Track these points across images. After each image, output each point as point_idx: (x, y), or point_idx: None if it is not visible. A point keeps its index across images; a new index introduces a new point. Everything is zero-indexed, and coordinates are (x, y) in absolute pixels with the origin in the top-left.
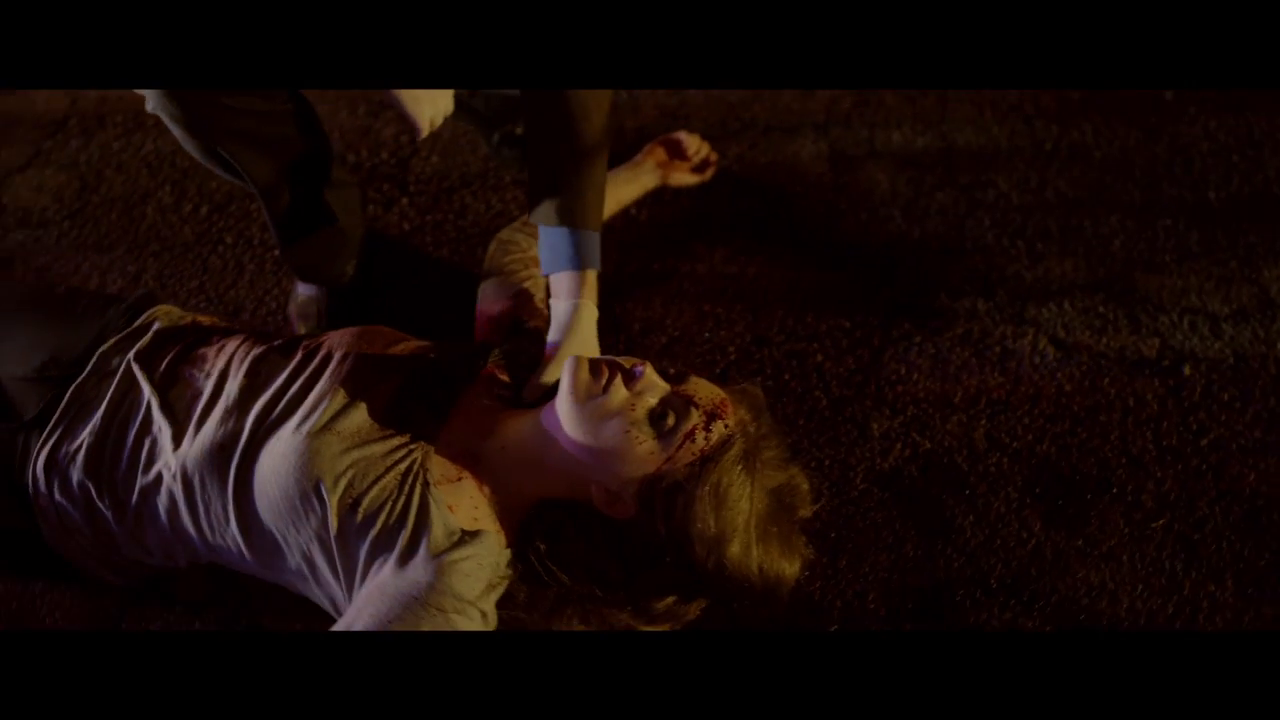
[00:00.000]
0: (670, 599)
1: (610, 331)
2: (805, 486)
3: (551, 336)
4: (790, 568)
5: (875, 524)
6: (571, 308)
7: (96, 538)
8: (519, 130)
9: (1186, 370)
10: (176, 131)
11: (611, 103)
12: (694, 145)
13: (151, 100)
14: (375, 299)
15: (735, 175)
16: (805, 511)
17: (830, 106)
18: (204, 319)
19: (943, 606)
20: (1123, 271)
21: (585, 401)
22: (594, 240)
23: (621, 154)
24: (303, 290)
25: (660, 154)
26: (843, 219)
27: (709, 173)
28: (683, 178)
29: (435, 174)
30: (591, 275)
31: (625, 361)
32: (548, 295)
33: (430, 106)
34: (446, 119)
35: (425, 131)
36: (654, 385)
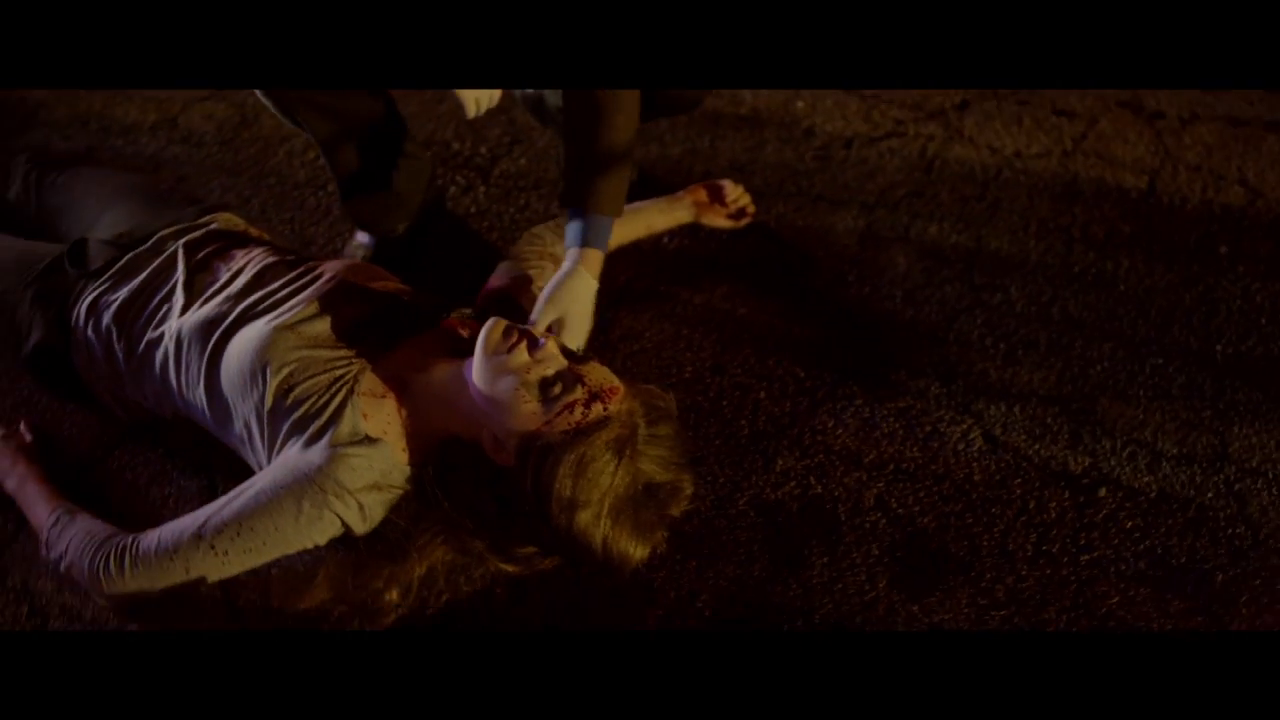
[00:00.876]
0: (529, 549)
1: (596, 330)
2: (687, 491)
3: (544, 290)
4: (636, 550)
5: (737, 540)
6: (567, 271)
7: (110, 372)
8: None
9: (1102, 492)
10: (257, 89)
11: (635, 105)
12: (733, 194)
13: None
14: (419, 257)
15: (768, 229)
16: (675, 510)
17: (885, 190)
18: (254, 232)
19: (765, 624)
20: (1089, 394)
21: (491, 355)
22: (602, 224)
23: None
24: (359, 236)
25: (701, 194)
26: (846, 287)
27: (743, 222)
28: (716, 220)
29: (516, 173)
30: (594, 254)
31: (536, 332)
32: None
33: (476, 91)
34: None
35: (472, 113)
36: (552, 357)
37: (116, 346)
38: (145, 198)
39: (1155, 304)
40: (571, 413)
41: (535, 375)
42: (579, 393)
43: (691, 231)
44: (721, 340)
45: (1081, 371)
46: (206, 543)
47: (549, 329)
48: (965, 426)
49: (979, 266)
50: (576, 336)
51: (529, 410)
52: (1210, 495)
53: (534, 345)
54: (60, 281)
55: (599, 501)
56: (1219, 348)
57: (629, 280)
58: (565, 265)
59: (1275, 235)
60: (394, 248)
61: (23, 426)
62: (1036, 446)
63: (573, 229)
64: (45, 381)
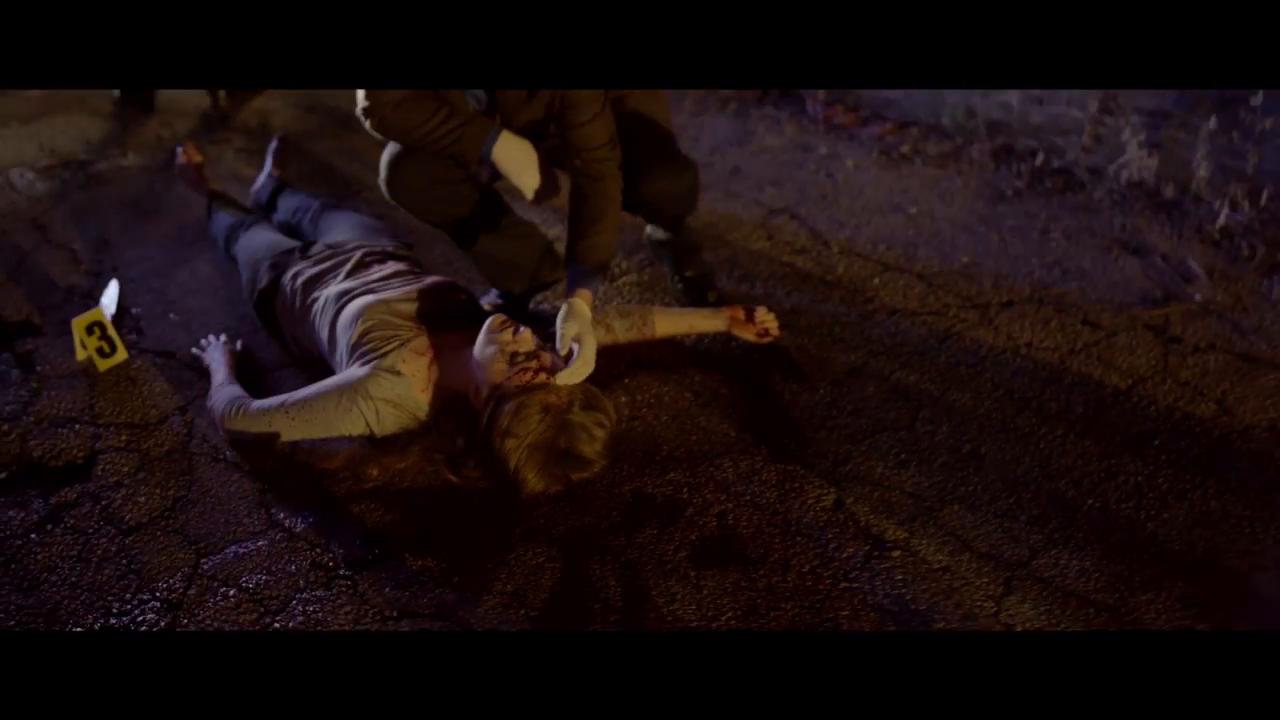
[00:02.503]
0: (472, 471)
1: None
2: (593, 469)
3: (557, 323)
4: (535, 483)
5: (611, 504)
6: (567, 305)
7: (289, 316)
8: (690, 274)
9: (895, 554)
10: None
11: (615, 192)
12: (763, 318)
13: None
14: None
15: (782, 349)
16: (574, 476)
17: (895, 346)
18: (412, 257)
19: (588, 558)
20: (944, 500)
21: (488, 333)
22: (588, 273)
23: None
24: (491, 291)
25: (739, 313)
26: (813, 392)
27: (765, 340)
28: (744, 334)
29: (637, 280)
30: (584, 293)
31: (518, 330)
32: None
33: (529, 177)
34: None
35: (530, 199)
36: (525, 341)
37: (298, 299)
38: (366, 229)
39: (1060, 462)
40: (524, 374)
41: (510, 349)
42: (534, 365)
43: (726, 338)
44: (695, 402)
45: (953, 487)
46: (284, 410)
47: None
48: (825, 491)
49: (930, 406)
50: (588, 358)
51: (499, 368)
52: (983, 580)
53: (517, 331)
54: (287, 259)
55: (522, 437)
56: (1091, 501)
57: (656, 346)
58: (564, 305)
59: (1215, 445)
60: (513, 300)
61: (239, 344)
62: (871, 517)
63: (569, 277)
64: (260, 317)
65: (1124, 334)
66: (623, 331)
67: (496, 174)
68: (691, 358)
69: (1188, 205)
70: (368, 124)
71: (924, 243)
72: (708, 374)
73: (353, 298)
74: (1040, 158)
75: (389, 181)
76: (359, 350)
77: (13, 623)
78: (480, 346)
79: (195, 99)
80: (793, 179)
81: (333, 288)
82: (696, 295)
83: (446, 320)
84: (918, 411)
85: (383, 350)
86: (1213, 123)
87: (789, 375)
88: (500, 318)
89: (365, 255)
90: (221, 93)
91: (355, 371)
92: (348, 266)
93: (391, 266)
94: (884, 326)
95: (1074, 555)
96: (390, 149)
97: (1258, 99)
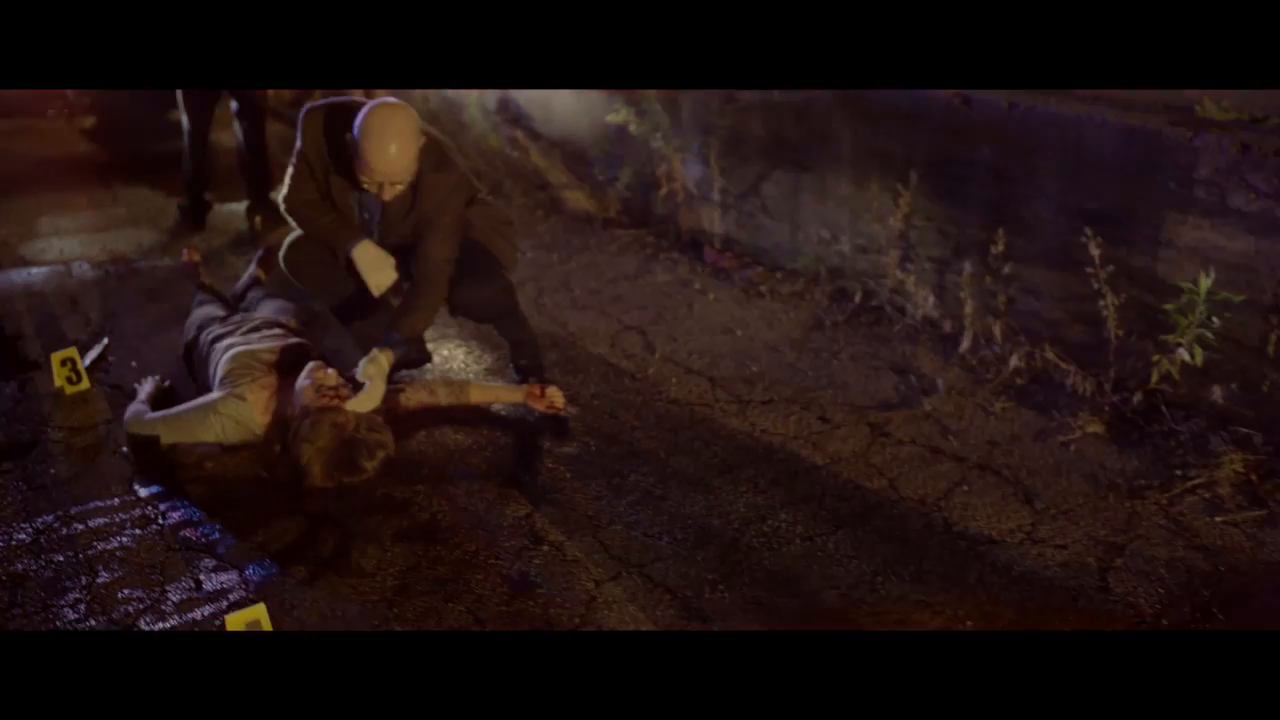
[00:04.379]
0: (282, 468)
1: (425, 410)
2: (366, 475)
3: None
4: (318, 478)
5: (359, 503)
6: (373, 353)
7: (200, 360)
8: (522, 363)
9: (542, 548)
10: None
11: (438, 298)
12: (552, 395)
13: None
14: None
15: (561, 419)
16: (347, 479)
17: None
18: (296, 327)
19: (328, 527)
20: (610, 523)
21: (307, 371)
22: (398, 341)
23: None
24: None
25: (536, 390)
26: (568, 449)
27: (552, 412)
28: (537, 405)
29: (474, 354)
30: (385, 354)
31: (344, 376)
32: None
33: (378, 277)
34: (398, 286)
35: (375, 293)
36: (331, 377)
37: (205, 349)
38: (278, 309)
39: (726, 508)
40: (324, 399)
41: (319, 381)
42: (333, 394)
43: (525, 408)
44: (470, 444)
45: (623, 515)
46: (164, 420)
47: (342, 376)
48: (523, 506)
49: (652, 463)
50: (375, 393)
51: (309, 394)
52: (598, 569)
53: (326, 369)
54: (210, 324)
55: (312, 443)
56: (732, 535)
57: (466, 412)
58: (373, 351)
59: (866, 509)
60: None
61: (168, 382)
62: (546, 525)
63: (386, 338)
64: (185, 364)
65: (846, 428)
66: (444, 396)
67: None
68: (488, 416)
69: (960, 337)
70: (283, 206)
71: (732, 356)
72: (493, 428)
73: (232, 347)
74: (859, 297)
75: (284, 257)
76: (223, 382)
77: None
78: (300, 379)
79: (239, 221)
80: (657, 305)
81: (225, 341)
82: (524, 379)
83: (295, 369)
84: (640, 466)
85: (237, 383)
86: (968, 267)
87: (557, 436)
88: (319, 362)
89: (260, 323)
90: (257, 218)
91: (214, 395)
92: (244, 329)
93: (274, 331)
94: (657, 410)
95: (686, 566)
96: (292, 235)
97: (998, 247)
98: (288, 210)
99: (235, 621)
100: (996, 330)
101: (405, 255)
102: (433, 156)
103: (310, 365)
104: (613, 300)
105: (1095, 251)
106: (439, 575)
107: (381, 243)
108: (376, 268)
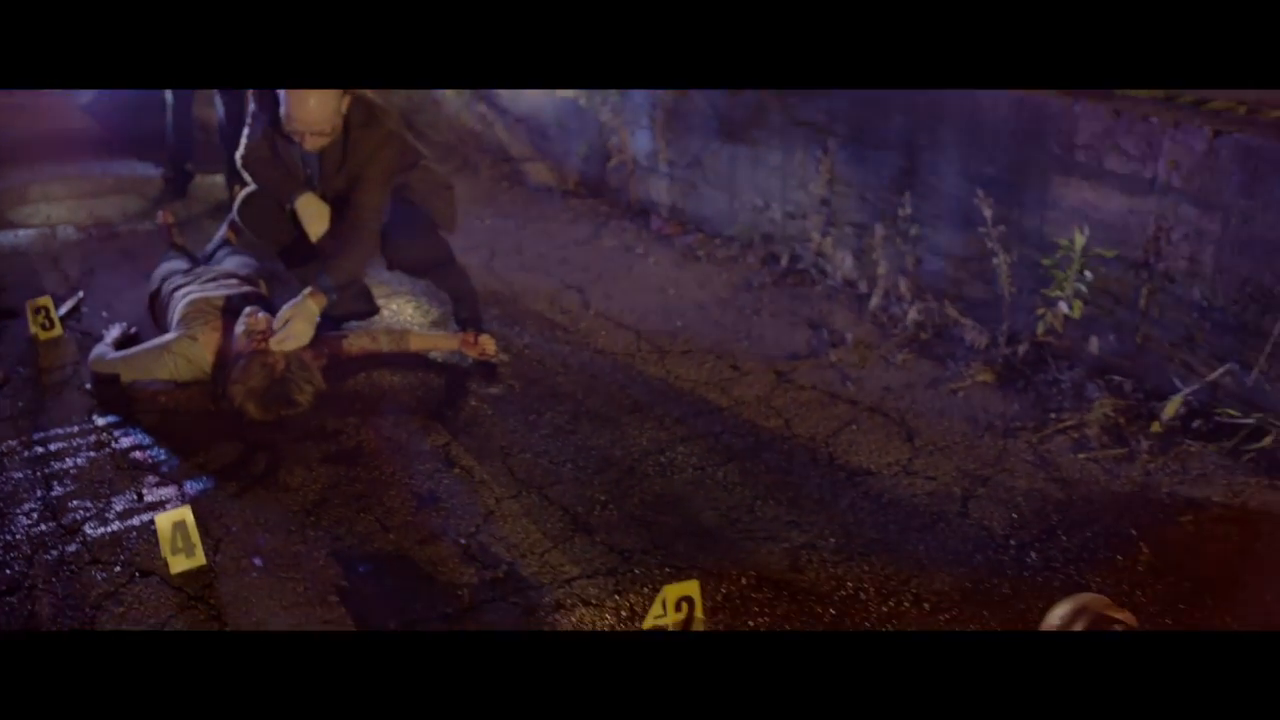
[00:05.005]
0: (226, 403)
1: (369, 355)
2: (299, 409)
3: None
4: (251, 412)
5: (294, 433)
6: (300, 297)
7: (161, 308)
8: (463, 315)
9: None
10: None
11: (376, 235)
12: (484, 342)
13: None
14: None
15: (491, 365)
16: (286, 411)
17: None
18: (252, 279)
19: (261, 451)
20: (518, 452)
21: (242, 317)
22: (328, 285)
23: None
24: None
25: (470, 338)
26: (495, 389)
27: (484, 358)
28: (470, 352)
29: (422, 309)
30: (313, 297)
31: (266, 318)
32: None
33: (316, 226)
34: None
35: (314, 240)
36: (261, 322)
37: (166, 297)
38: (239, 263)
39: (630, 442)
40: (255, 343)
41: (250, 327)
42: (261, 338)
43: (460, 355)
44: (402, 384)
45: (533, 445)
46: (123, 359)
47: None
48: (442, 436)
49: (568, 402)
50: (297, 333)
51: (242, 339)
52: (501, 489)
53: (257, 315)
54: (174, 277)
55: (244, 383)
56: (632, 464)
57: (404, 359)
58: (302, 293)
59: (759, 444)
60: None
61: (133, 329)
62: (459, 452)
63: (317, 280)
64: (150, 311)
65: (754, 375)
66: (385, 343)
67: None
68: (424, 362)
69: (873, 296)
70: (239, 162)
71: (661, 312)
72: (427, 372)
73: (189, 294)
74: (786, 260)
75: (238, 208)
76: (178, 325)
77: None
78: (237, 325)
79: (219, 191)
80: (599, 267)
81: (184, 289)
82: (463, 329)
83: (237, 310)
84: (557, 406)
85: (190, 325)
86: (880, 230)
87: (485, 379)
88: (253, 308)
89: (217, 274)
90: (236, 187)
91: (169, 335)
92: (202, 279)
93: (228, 280)
94: (582, 359)
95: (582, 488)
96: (247, 189)
97: (906, 210)
98: (242, 165)
99: (163, 521)
100: (904, 288)
101: (343, 207)
102: (361, 114)
103: (246, 310)
104: (559, 263)
105: (988, 213)
106: (356, 491)
107: (322, 196)
108: (315, 217)
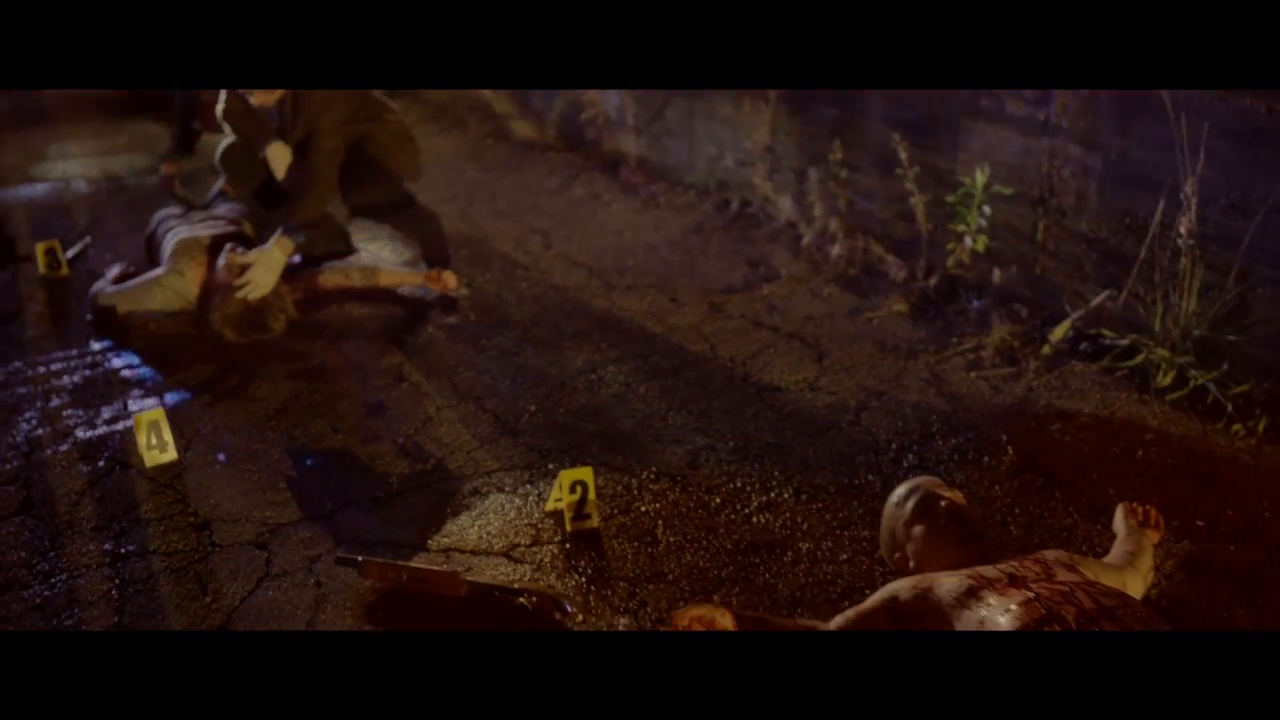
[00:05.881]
0: (211, 329)
1: (341, 291)
2: (271, 334)
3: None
4: (230, 336)
5: (263, 355)
6: (270, 244)
7: (155, 246)
8: (431, 255)
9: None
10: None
11: (329, 190)
12: (447, 278)
13: None
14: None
15: (452, 299)
16: (259, 336)
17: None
18: (238, 221)
19: (238, 370)
20: (461, 370)
21: (223, 253)
22: (293, 228)
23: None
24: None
25: (434, 274)
26: (452, 318)
27: (446, 292)
28: (434, 286)
29: (397, 251)
30: (279, 244)
31: (238, 257)
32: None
33: (282, 171)
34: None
35: (280, 178)
36: (236, 260)
37: (159, 236)
38: (230, 208)
39: (565, 363)
40: (232, 275)
41: (230, 263)
42: (239, 273)
43: (425, 290)
44: (369, 315)
45: (481, 365)
46: (120, 291)
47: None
48: (398, 359)
49: (517, 329)
50: (258, 280)
51: (223, 273)
52: (458, 406)
53: (236, 251)
54: (169, 219)
55: (223, 310)
56: (563, 381)
57: (374, 294)
58: (272, 239)
59: (682, 363)
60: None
61: (132, 268)
62: (418, 376)
63: (282, 228)
64: (146, 251)
65: (690, 306)
66: (357, 278)
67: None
68: (392, 296)
69: (806, 235)
70: (219, 115)
71: (614, 252)
72: (393, 304)
73: (179, 233)
74: (736, 205)
75: (219, 156)
76: (168, 260)
77: None
78: (218, 261)
79: None
80: (565, 214)
81: (175, 229)
82: (431, 268)
83: (219, 248)
84: (506, 333)
85: (178, 261)
86: (814, 174)
87: (444, 310)
88: (233, 245)
89: (206, 216)
90: None
91: (159, 270)
92: (192, 221)
93: (216, 222)
94: (536, 294)
95: (515, 400)
96: (226, 140)
97: (837, 156)
98: (223, 118)
99: (140, 419)
100: (835, 228)
101: (303, 154)
102: None
103: (226, 247)
104: (530, 210)
105: (904, 155)
106: (314, 401)
107: (288, 145)
108: (282, 164)
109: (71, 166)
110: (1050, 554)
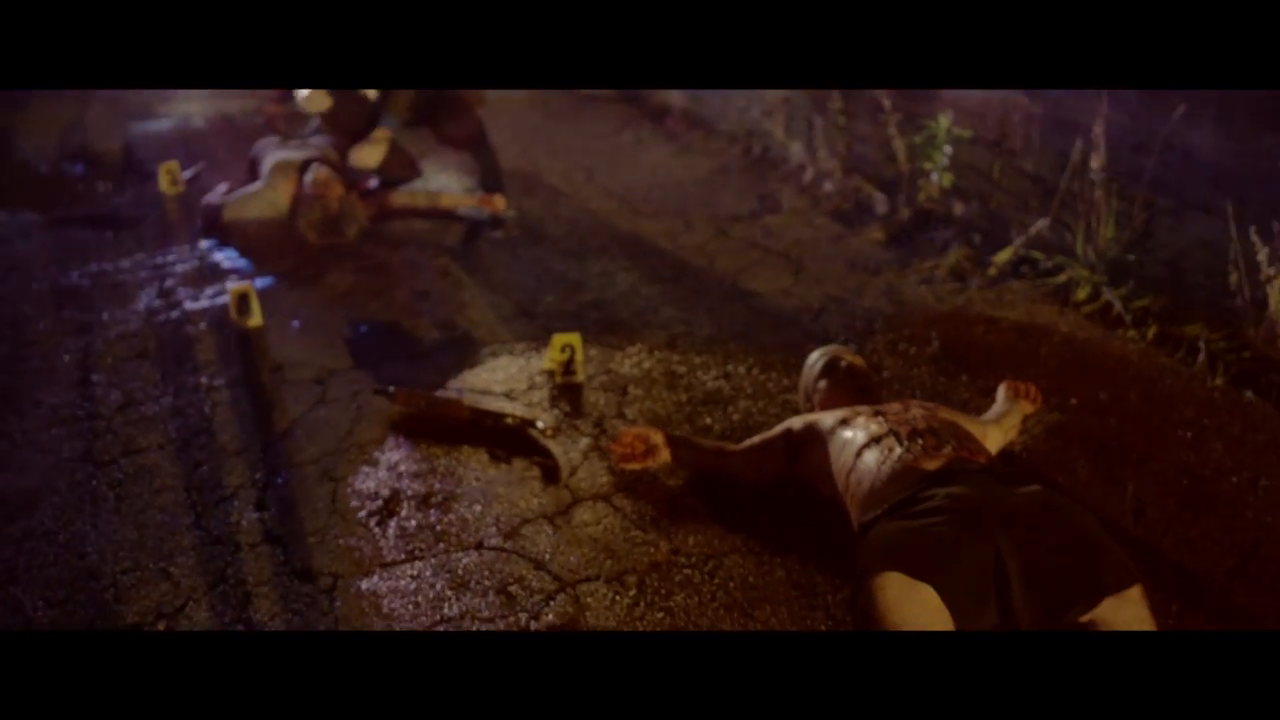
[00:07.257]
0: (301, 233)
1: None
2: (347, 238)
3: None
4: (312, 237)
5: (339, 258)
6: (372, 134)
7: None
8: (489, 182)
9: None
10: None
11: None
12: (496, 200)
13: None
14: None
15: (502, 219)
16: (336, 239)
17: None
18: (329, 151)
19: (313, 265)
20: (487, 276)
21: (309, 173)
22: (389, 119)
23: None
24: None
25: (488, 198)
26: (498, 232)
27: (495, 213)
28: (486, 207)
29: (457, 177)
30: (383, 130)
31: (320, 169)
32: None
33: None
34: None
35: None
36: (321, 174)
37: (260, 159)
38: (323, 140)
39: (577, 272)
40: (316, 189)
41: (316, 178)
42: (324, 187)
43: (479, 211)
44: (439, 228)
45: (516, 281)
46: (223, 201)
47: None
48: (445, 259)
49: (548, 243)
50: (363, 156)
51: (309, 185)
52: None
53: (321, 169)
54: (269, 147)
55: (306, 217)
56: (577, 289)
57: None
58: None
59: (685, 275)
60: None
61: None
62: (445, 290)
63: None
64: (249, 170)
65: (700, 229)
66: (422, 200)
67: None
68: (450, 216)
69: (807, 174)
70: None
71: (645, 186)
72: (450, 221)
73: (275, 156)
74: (758, 150)
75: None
76: (265, 177)
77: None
78: (305, 176)
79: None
80: (609, 154)
81: (272, 153)
82: (485, 192)
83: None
84: (539, 245)
85: (272, 178)
86: (819, 123)
87: (493, 227)
88: (319, 163)
89: (299, 142)
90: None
91: (257, 184)
92: (286, 145)
93: (307, 149)
94: (572, 217)
95: (538, 294)
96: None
97: (838, 104)
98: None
99: (234, 291)
100: (834, 168)
101: None
102: None
103: (312, 166)
104: (579, 151)
105: (888, 103)
106: (373, 288)
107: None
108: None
109: (191, 106)
110: (916, 400)
